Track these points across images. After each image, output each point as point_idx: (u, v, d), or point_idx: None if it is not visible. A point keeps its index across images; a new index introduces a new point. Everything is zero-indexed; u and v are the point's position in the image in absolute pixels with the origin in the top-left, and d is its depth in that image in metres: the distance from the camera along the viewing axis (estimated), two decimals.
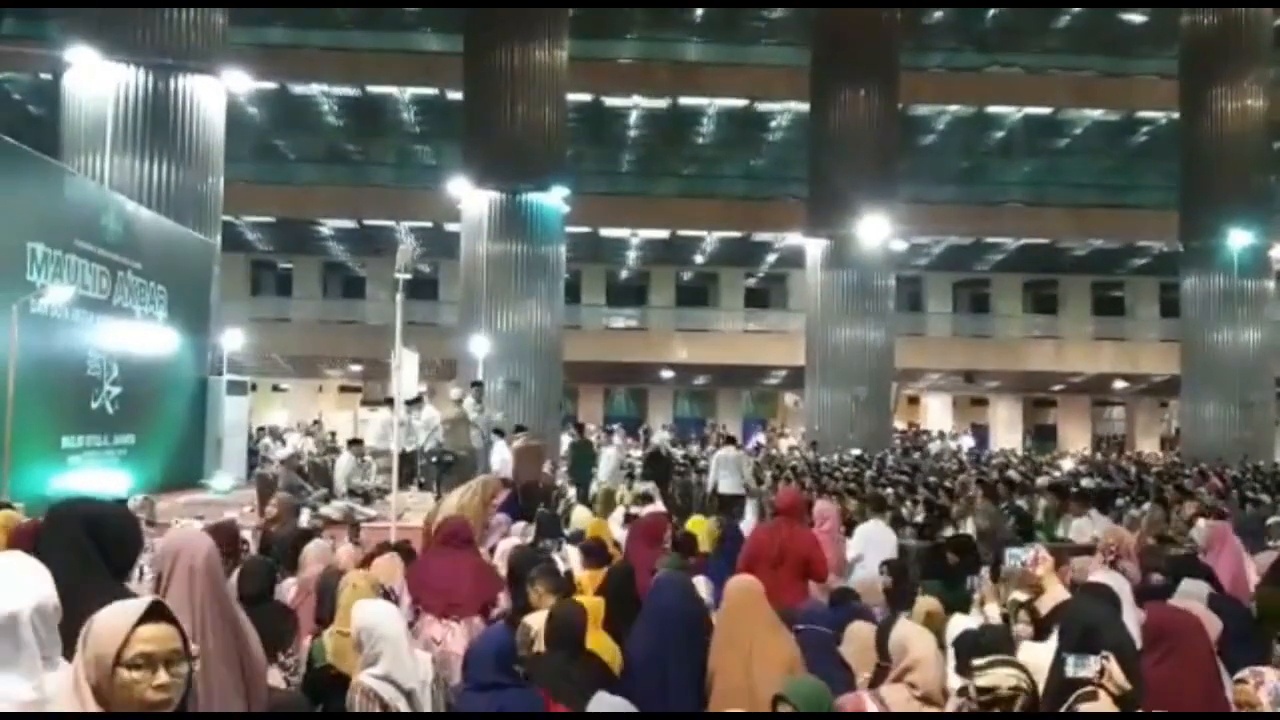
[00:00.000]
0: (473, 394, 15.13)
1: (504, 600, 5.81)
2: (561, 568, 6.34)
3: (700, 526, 8.93)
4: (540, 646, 4.73)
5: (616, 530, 9.41)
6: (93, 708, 2.08)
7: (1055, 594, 4.17)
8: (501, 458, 15.53)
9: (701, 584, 5.73)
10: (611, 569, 5.88)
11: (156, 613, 2.14)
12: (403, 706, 3.79)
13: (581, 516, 9.93)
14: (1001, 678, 3.36)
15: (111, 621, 2.12)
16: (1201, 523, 9.15)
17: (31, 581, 2.48)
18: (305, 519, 9.62)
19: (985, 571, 6.59)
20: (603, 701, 3.73)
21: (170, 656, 2.12)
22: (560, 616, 4.44)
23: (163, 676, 2.10)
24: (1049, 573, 4.26)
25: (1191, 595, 5.62)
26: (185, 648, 2.17)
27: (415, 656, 4.02)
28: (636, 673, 4.26)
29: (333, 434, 25.34)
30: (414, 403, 15.45)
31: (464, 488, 10.47)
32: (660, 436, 21.05)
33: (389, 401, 15.40)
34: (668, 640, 4.31)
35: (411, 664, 3.92)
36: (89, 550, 3.01)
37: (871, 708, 3.75)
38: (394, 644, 3.85)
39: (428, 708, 3.96)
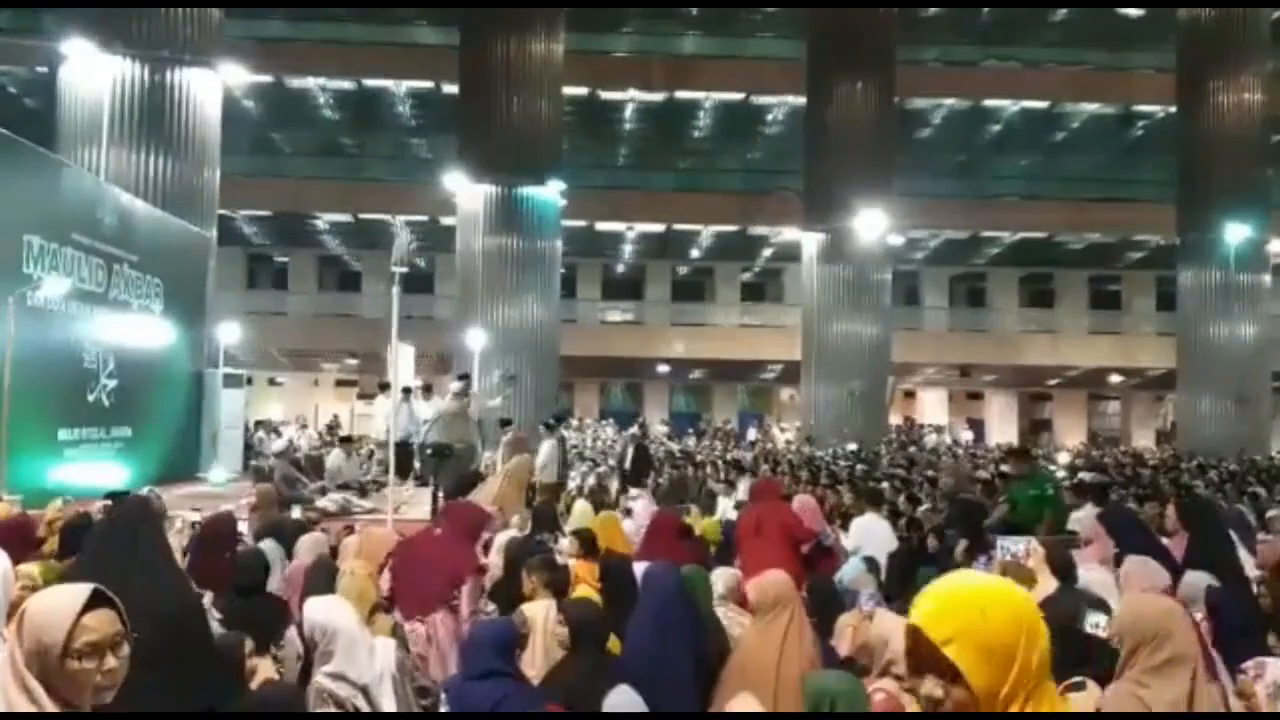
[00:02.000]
0: (459, 386, 15.09)
1: (468, 591, 5.75)
2: (559, 561, 6.35)
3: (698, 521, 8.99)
4: (540, 640, 4.73)
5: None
6: (48, 704, 2.04)
7: (1045, 585, 4.20)
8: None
9: (719, 575, 5.74)
10: (605, 564, 5.86)
11: (97, 598, 2.12)
12: (361, 703, 3.76)
13: (582, 511, 9.92)
14: None
15: (55, 611, 2.08)
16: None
17: None
18: (297, 513, 9.63)
19: (984, 559, 6.60)
20: (621, 697, 3.68)
21: (114, 641, 2.11)
22: (579, 617, 4.39)
23: (110, 662, 2.09)
24: (1040, 564, 4.30)
25: (1196, 587, 5.64)
26: (126, 630, 2.15)
27: (373, 647, 3.97)
28: (635, 663, 4.26)
29: (329, 426, 25.36)
30: (406, 393, 15.45)
31: (495, 478, 10.54)
32: (632, 433, 21.03)
33: (384, 387, 15.42)
34: (666, 629, 4.31)
35: (366, 657, 3.89)
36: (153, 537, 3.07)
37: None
38: (347, 638, 3.82)
39: (387, 699, 3.93)
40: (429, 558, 5.69)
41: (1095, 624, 4.24)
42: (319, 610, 3.93)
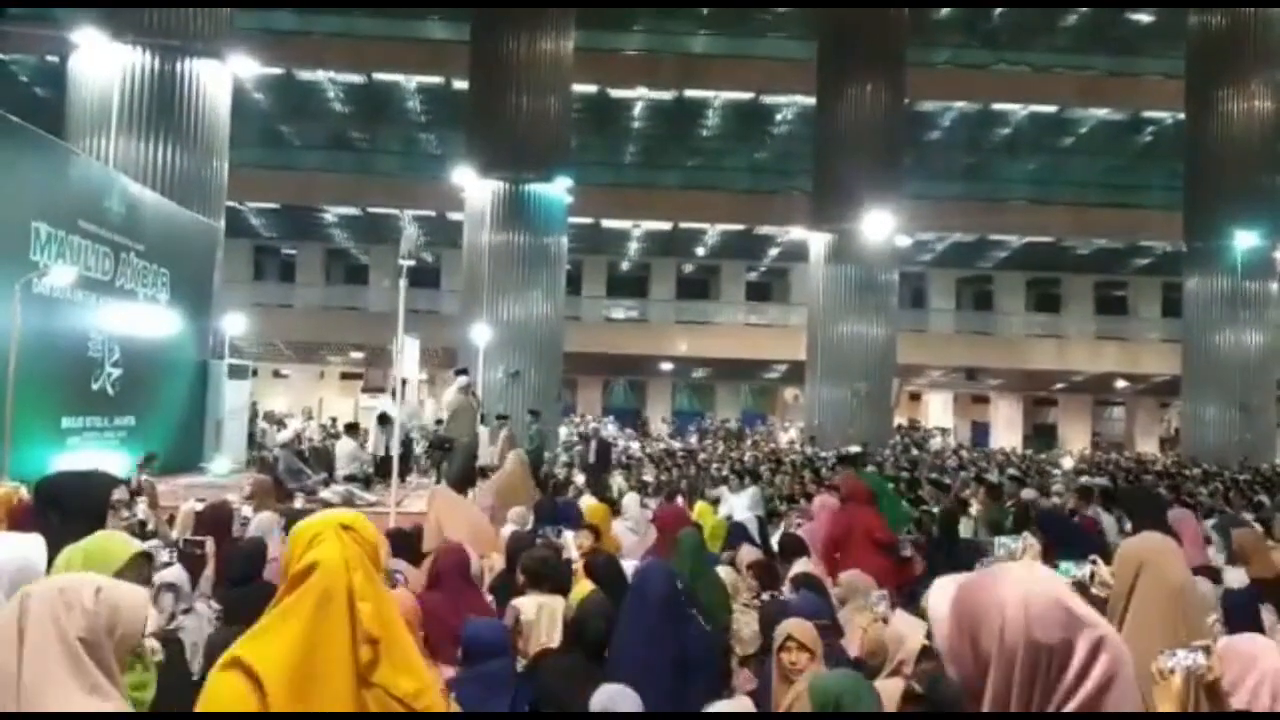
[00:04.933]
0: (463, 381, 15.09)
1: None
2: (563, 555, 6.35)
3: (708, 516, 9.03)
4: (532, 634, 4.73)
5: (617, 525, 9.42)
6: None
7: None
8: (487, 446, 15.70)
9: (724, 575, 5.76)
10: (591, 561, 5.85)
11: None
12: None
13: (588, 506, 9.93)
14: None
15: (137, 605, 2.22)
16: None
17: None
18: (300, 502, 9.65)
19: (986, 563, 6.61)
20: (607, 693, 3.67)
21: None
22: (587, 613, 4.37)
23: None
24: (1035, 560, 4.34)
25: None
26: None
27: None
28: (620, 659, 4.25)
29: (333, 419, 25.38)
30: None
31: (500, 474, 10.56)
32: (595, 427, 20.95)
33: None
34: (652, 626, 4.31)
35: None
36: (53, 519, 3.08)
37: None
38: None
39: None
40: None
41: None
42: None
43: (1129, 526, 9.09)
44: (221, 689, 2.21)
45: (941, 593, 1.55)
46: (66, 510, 3.53)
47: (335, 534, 2.35)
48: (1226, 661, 2.40)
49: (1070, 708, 1.40)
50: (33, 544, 2.45)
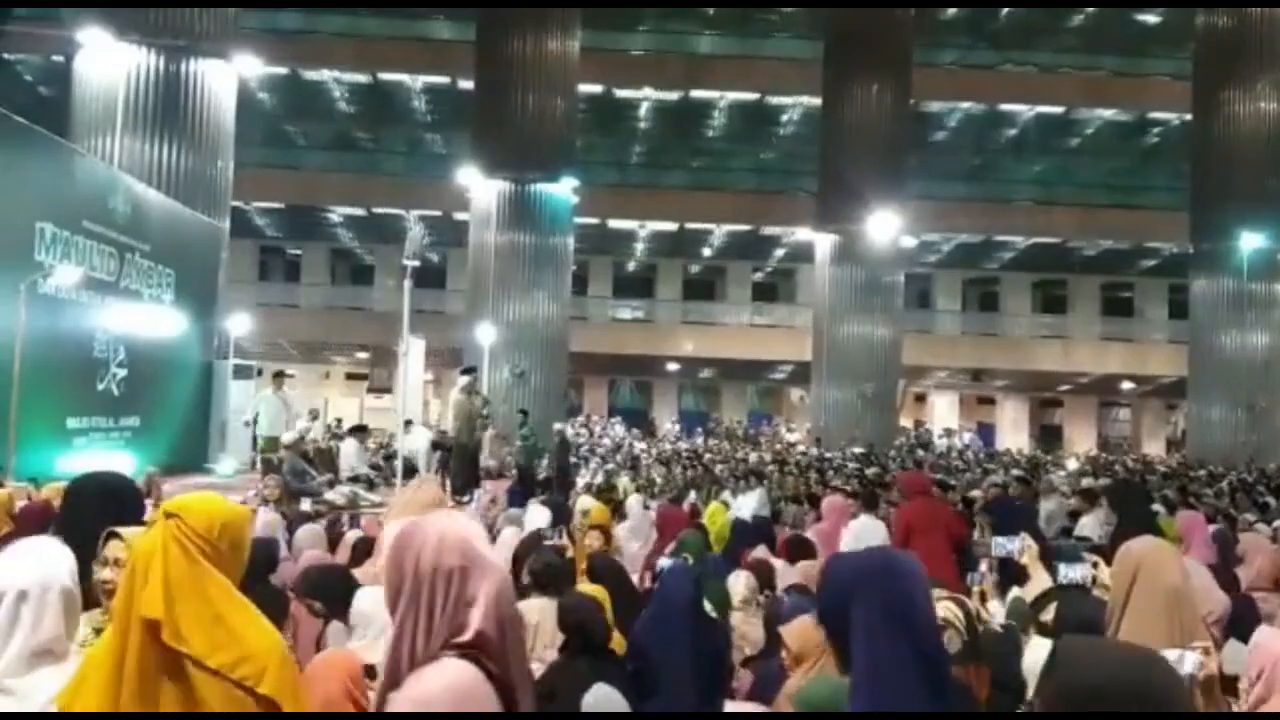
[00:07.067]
0: (465, 381, 14.98)
1: None
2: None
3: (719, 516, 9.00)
4: (536, 638, 4.70)
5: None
6: None
7: (1040, 582, 4.21)
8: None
9: (736, 579, 5.73)
10: (593, 565, 5.82)
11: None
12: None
13: (594, 508, 9.91)
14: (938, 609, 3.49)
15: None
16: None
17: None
18: (307, 505, 9.63)
19: (984, 567, 6.58)
20: (599, 694, 3.65)
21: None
22: (574, 615, 4.35)
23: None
24: (1033, 560, 4.31)
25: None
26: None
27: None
28: (640, 662, 4.23)
29: (339, 420, 25.40)
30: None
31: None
32: (559, 428, 20.36)
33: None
34: (671, 629, 4.29)
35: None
36: (110, 518, 3.08)
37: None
38: (376, 630, 3.81)
39: None
40: None
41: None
42: (366, 601, 3.92)
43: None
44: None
45: (388, 532, 1.87)
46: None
47: (161, 522, 2.35)
48: (1256, 657, 2.45)
49: (472, 626, 1.76)
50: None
